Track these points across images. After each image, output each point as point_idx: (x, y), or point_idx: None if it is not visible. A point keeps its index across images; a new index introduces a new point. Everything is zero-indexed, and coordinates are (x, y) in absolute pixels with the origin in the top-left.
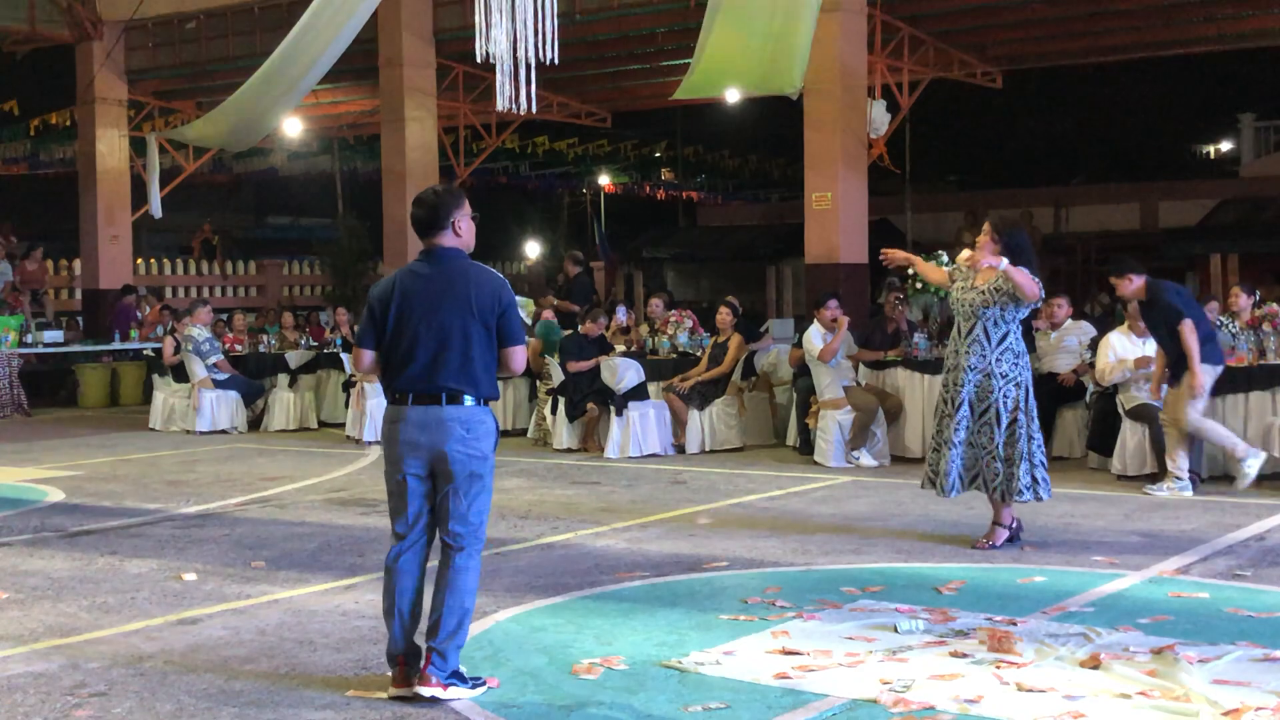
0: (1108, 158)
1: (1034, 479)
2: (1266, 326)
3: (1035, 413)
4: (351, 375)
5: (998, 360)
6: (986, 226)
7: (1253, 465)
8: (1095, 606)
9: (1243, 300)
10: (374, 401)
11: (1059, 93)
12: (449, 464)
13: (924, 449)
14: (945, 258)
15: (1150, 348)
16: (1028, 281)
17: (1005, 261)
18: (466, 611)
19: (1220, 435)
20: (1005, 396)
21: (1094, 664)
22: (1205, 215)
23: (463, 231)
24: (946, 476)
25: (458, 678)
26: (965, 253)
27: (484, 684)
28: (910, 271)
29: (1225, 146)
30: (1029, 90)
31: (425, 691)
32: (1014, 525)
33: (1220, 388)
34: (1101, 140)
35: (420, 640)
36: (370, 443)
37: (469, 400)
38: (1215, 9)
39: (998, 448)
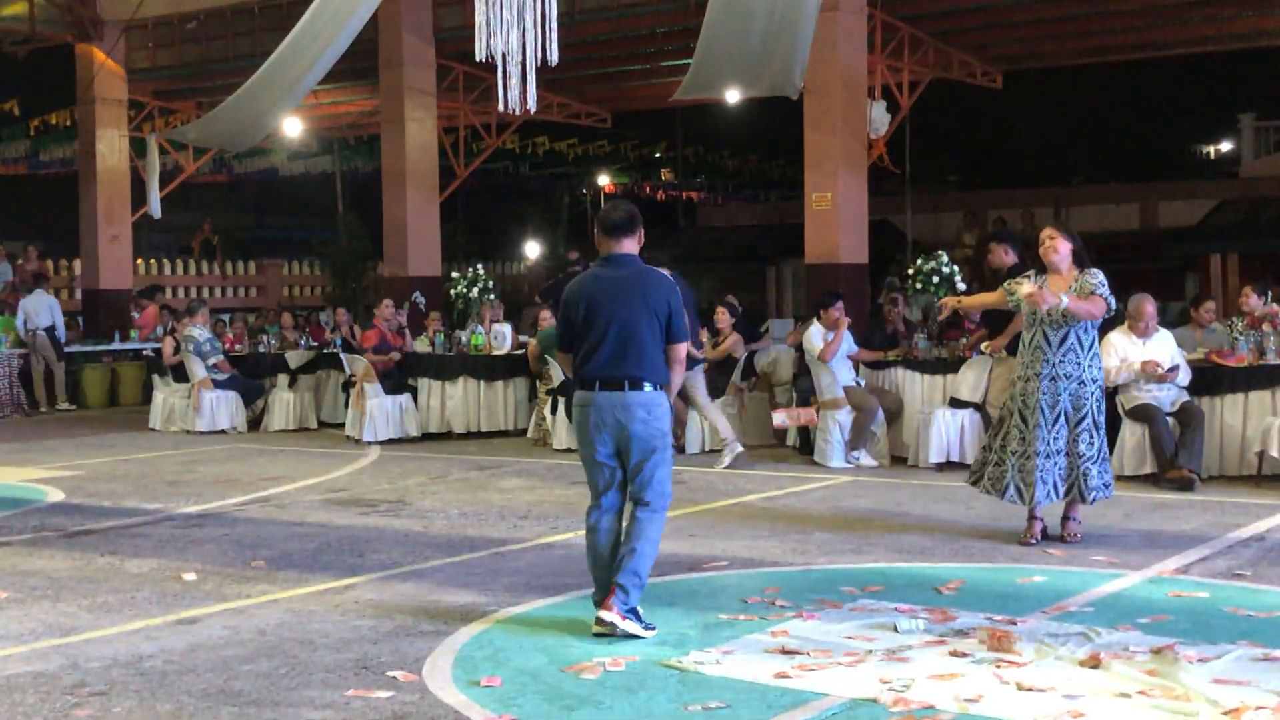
0: (1108, 158)
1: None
2: (1266, 327)
3: None
4: (351, 375)
5: (1089, 366)
6: (1054, 231)
7: (730, 455)
8: (1095, 606)
9: (1253, 300)
10: (374, 402)
11: (1059, 93)
12: (633, 441)
13: (920, 449)
14: (945, 257)
15: (1151, 350)
16: (1088, 307)
17: (1065, 299)
18: (648, 555)
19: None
20: (1098, 402)
21: (1094, 663)
22: (1205, 215)
23: (641, 239)
24: (1037, 486)
25: (635, 615)
26: (1025, 287)
27: (653, 629)
28: (910, 272)
29: (1225, 147)
30: (1029, 90)
31: (606, 616)
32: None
33: (1220, 387)
34: (1101, 140)
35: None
36: (370, 443)
37: (648, 386)
38: (1215, 9)
39: (1096, 451)
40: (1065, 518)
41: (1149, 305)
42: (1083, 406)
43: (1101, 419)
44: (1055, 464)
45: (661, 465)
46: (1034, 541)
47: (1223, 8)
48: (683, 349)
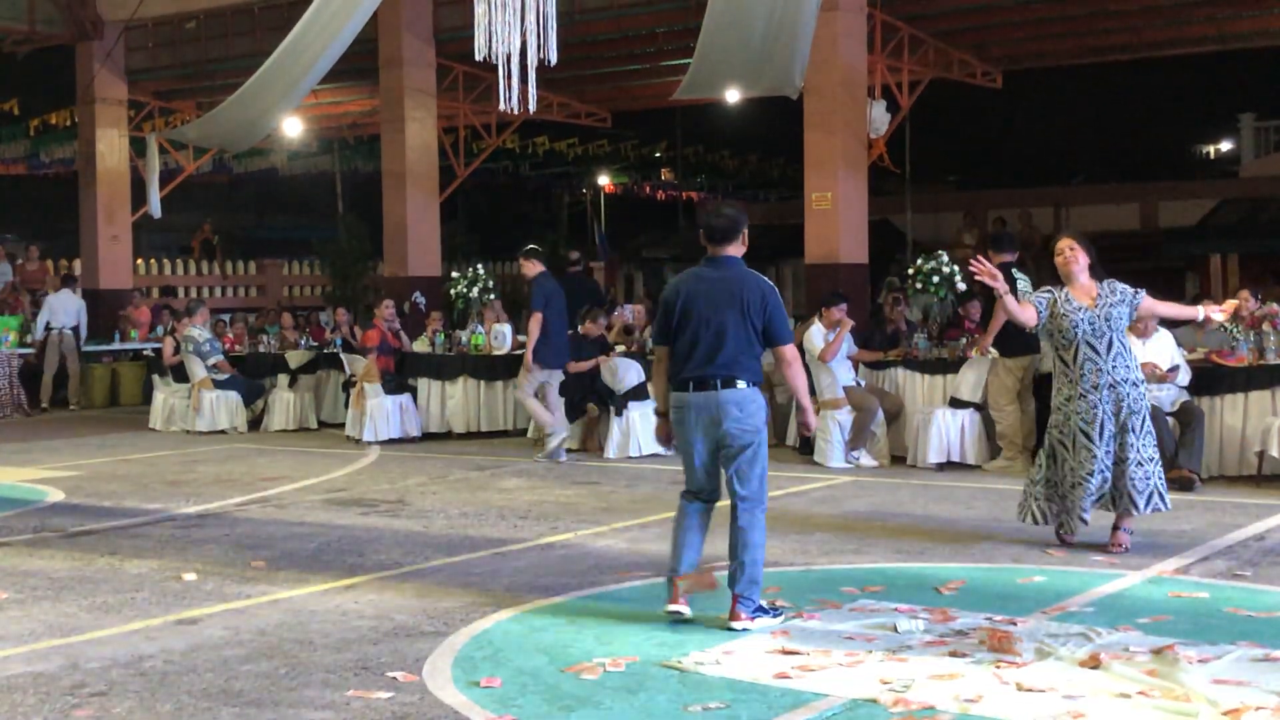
0: (1107, 158)
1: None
2: (1266, 327)
3: None
4: (351, 375)
5: (1137, 366)
6: (1073, 242)
7: (555, 441)
8: (1095, 606)
9: (1251, 304)
10: (374, 402)
11: (1059, 92)
12: (728, 439)
13: (920, 449)
14: (945, 256)
15: (1151, 350)
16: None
17: (1201, 311)
18: (756, 561)
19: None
20: (1148, 402)
21: (1094, 664)
22: (1205, 215)
23: (746, 242)
24: (1123, 498)
25: (761, 611)
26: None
27: (783, 613)
28: (910, 271)
29: (1225, 146)
30: (1029, 90)
31: (736, 625)
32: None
33: (1219, 388)
34: (1101, 140)
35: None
36: (370, 443)
37: (740, 384)
38: (1215, 9)
39: (1147, 450)
40: (1116, 527)
41: None
42: (1140, 409)
43: (1151, 420)
44: (1119, 472)
45: (755, 462)
46: (1123, 549)
47: (1222, 7)
48: (789, 350)
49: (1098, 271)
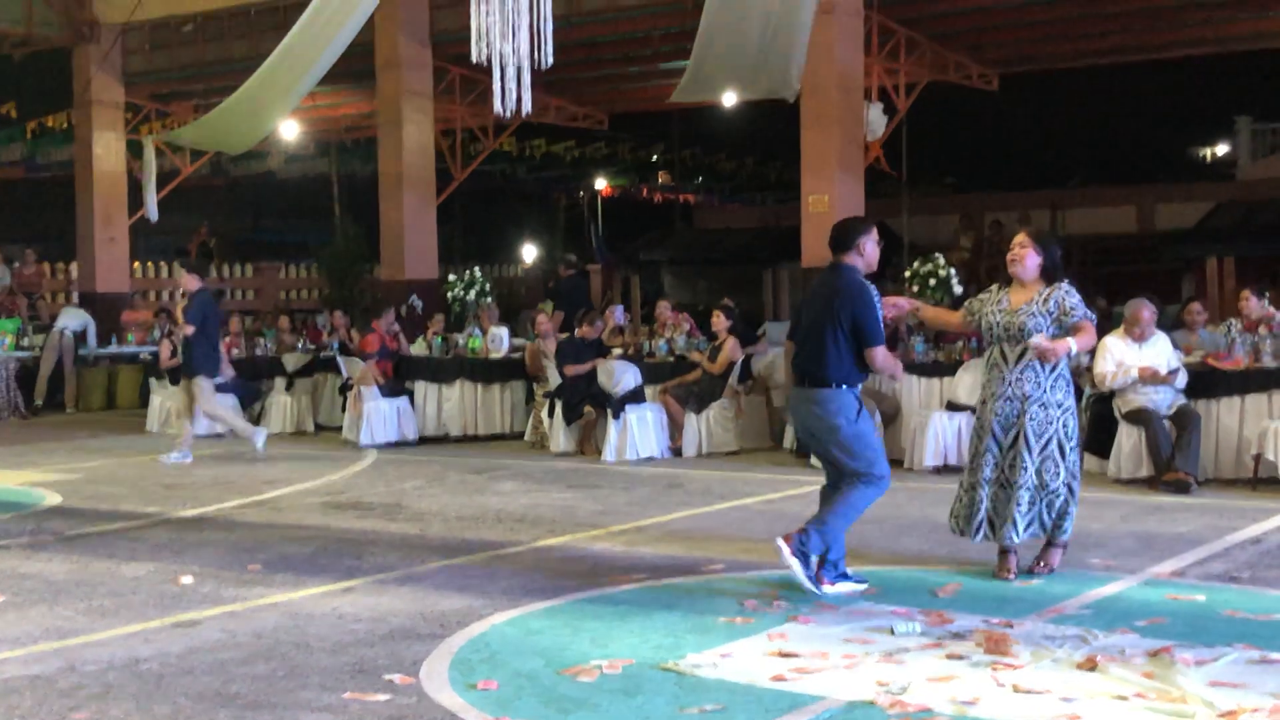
0: (1104, 160)
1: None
2: (1263, 329)
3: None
4: (349, 378)
5: (1053, 387)
6: (1025, 240)
7: (259, 437)
8: (1092, 609)
9: (1253, 303)
10: (370, 405)
11: (1055, 95)
12: (810, 431)
13: (917, 451)
14: (941, 259)
15: (1149, 353)
16: (1089, 339)
17: (1073, 345)
18: (840, 513)
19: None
20: (1065, 427)
21: (1090, 666)
22: (1202, 218)
23: (865, 252)
24: (1005, 522)
25: (844, 578)
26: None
27: (864, 582)
28: (906, 274)
29: (1222, 149)
30: (1025, 93)
31: (779, 542)
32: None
33: (1216, 390)
34: (1098, 143)
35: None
36: (366, 446)
37: (824, 383)
38: (1211, 11)
39: (1063, 484)
40: (1050, 544)
41: (1145, 311)
42: (1047, 431)
43: (1069, 447)
44: (1014, 496)
45: (846, 453)
46: (1010, 578)
47: (1219, 10)
48: (874, 353)
49: (1055, 273)
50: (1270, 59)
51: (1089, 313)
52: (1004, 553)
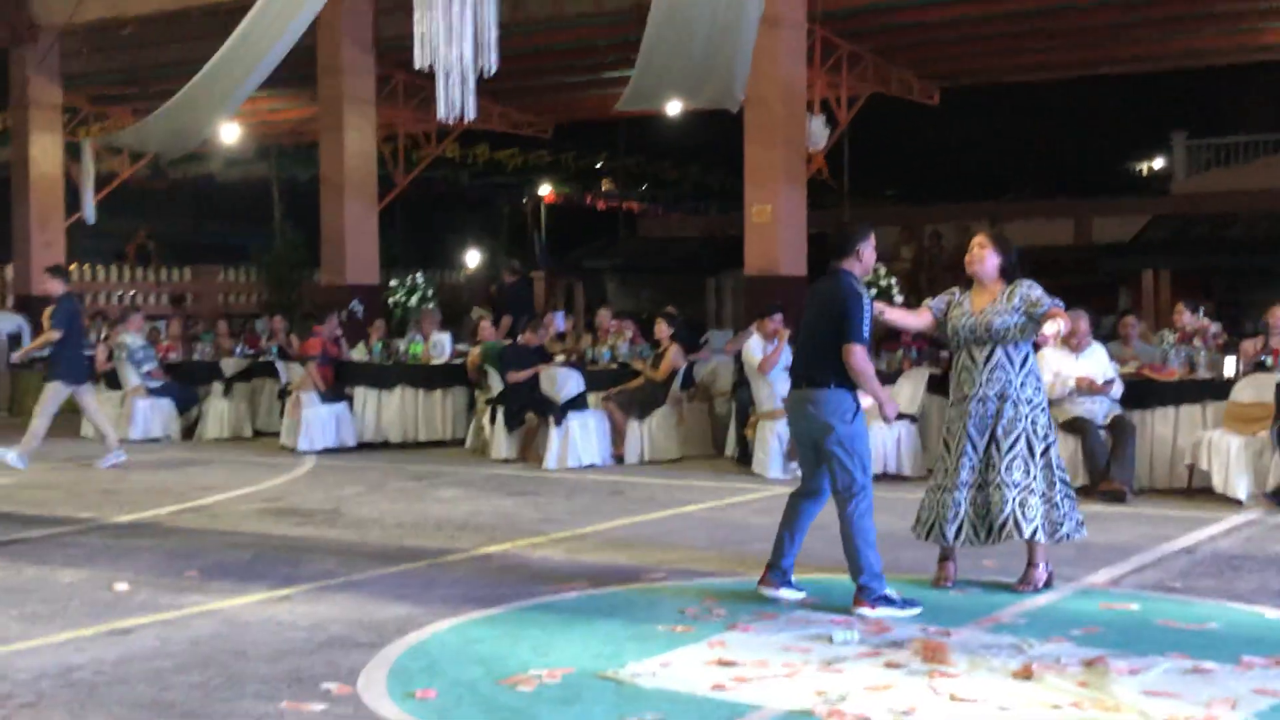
0: (1042, 174)
1: (1077, 512)
2: (1197, 341)
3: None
4: (287, 384)
5: (1022, 385)
6: (985, 240)
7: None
8: (1028, 618)
9: (1186, 316)
10: (309, 411)
11: (995, 109)
12: (809, 434)
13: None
14: (883, 270)
15: (1085, 363)
16: (1062, 322)
17: (1061, 325)
18: (861, 550)
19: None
20: (1034, 424)
21: (1026, 675)
22: (1138, 232)
23: (864, 258)
24: (983, 523)
25: (885, 601)
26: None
27: (915, 606)
28: None
29: (1158, 164)
30: (965, 107)
31: (857, 610)
32: (1049, 566)
33: (1151, 401)
34: (1036, 156)
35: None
36: (305, 452)
37: (822, 385)
38: (1148, 29)
39: (1034, 482)
40: (1030, 563)
41: (1083, 321)
42: (1015, 430)
43: (1042, 445)
44: (982, 496)
45: (837, 456)
46: (948, 586)
47: (1155, 28)
48: (852, 349)
49: (1013, 273)
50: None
51: (1055, 300)
52: (943, 560)
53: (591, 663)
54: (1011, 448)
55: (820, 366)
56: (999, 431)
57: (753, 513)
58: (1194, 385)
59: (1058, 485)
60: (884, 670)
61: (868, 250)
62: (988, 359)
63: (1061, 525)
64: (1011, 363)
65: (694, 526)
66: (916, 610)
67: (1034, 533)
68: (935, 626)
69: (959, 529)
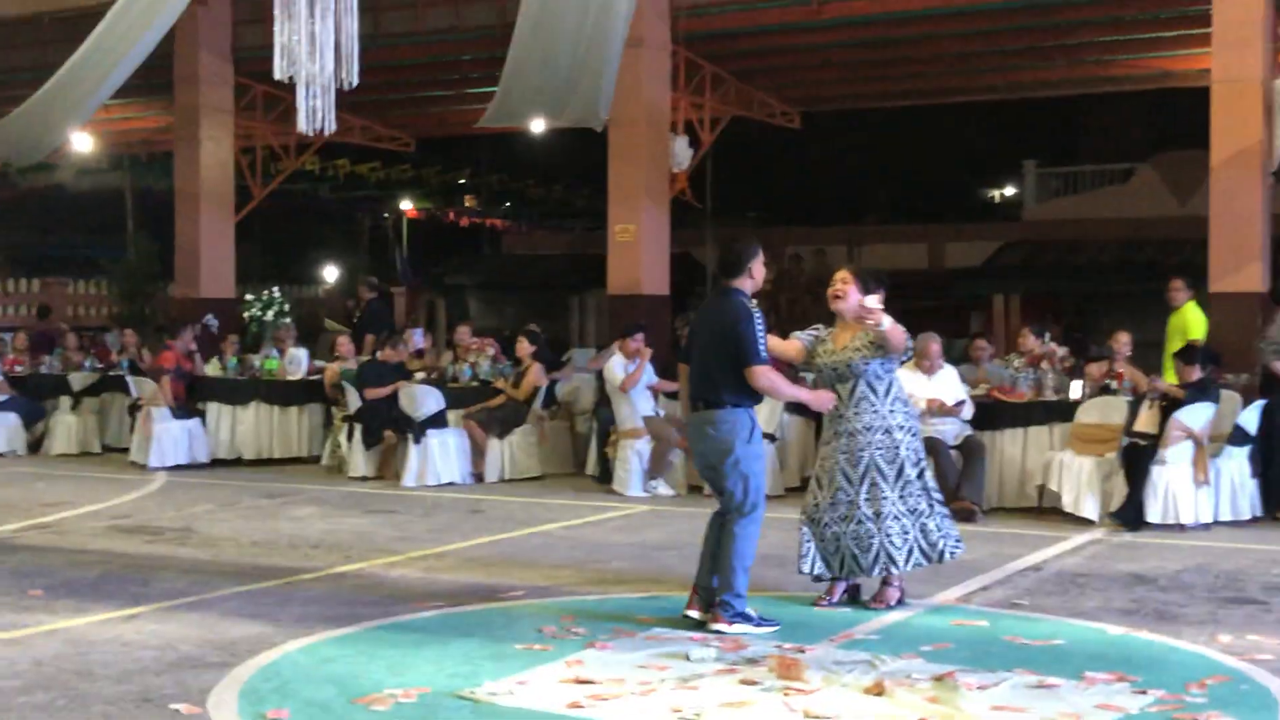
0: (899, 199)
1: (951, 529)
2: (1045, 365)
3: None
4: (138, 398)
5: (891, 413)
6: (848, 275)
7: None
8: (881, 634)
9: (1031, 340)
10: (161, 426)
11: (854, 134)
12: (708, 455)
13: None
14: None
15: (937, 385)
16: (900, 337)
17: (887, 321)
18: (734, 568)
19: None
20: (910, 449)
21: (878, 691)
22: (989, 257)
23: (755, 275)
24: (870, 554)
25: (743, 618)
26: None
27: (773, 624)
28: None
29: (1009, 191)
30: (826, 131)
31: (714, 626)
32: (902, 584)
33: (1000, 422)
34: (894, 181)
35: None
36: (156, 468)
37: (720, 405)
38: (1001, 59)
39: (924, 505)
40: (885, 582)
41: (934, 344)
42: (896, 458)
43: (916, 470)
44: (863, 529)
45: (732, 476)
46: (826, 604)
47: (1008, 58)
48: (754, 371)
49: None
50: (1055, 106)
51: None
52: (833, 580)
53: (447, 682)
54: (900, 475)
55: (716, 387)
56: (880, 463)
57: (612, 531)
58: (1042, 407)
59: (936, 506)
60: (740, 687)
61: (758, 267)
62: (852, 393)
63: (945, 544)
64: (876, 394)
65: (554, 545)
66: (774, 628)
67: (936, 555)
68: (790, 643)
69: (841, 562)
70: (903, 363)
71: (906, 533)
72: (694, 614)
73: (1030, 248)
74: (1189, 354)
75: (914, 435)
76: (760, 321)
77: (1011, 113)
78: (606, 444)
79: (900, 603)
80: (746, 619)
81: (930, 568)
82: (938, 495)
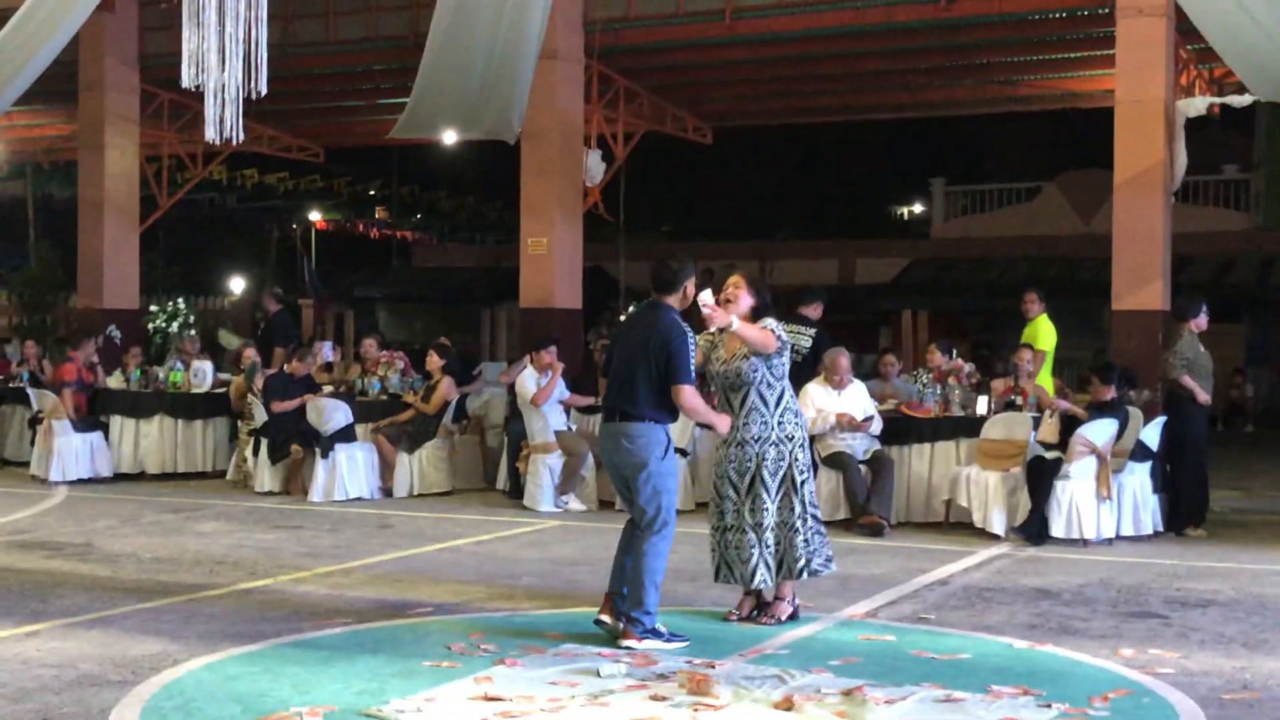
0: (810, 214)
1: (824, 546)
2: (952, 380)
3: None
4: (39, 411)
5: (780, 424)
6: (740, 281)
7: None
8: (790, 649)
9: (938, 357)
10: (62, 439)
11: (766, 150)
12: (621, 467)
13: None
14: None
15: (846, 400)
16: (758, 335)
17: (735, 321)
18: (645, 585)
19: None
20: (796, 460)
21: (787, 705)
22: (898, 273)
23: (689, 294)
24: (748, 565)
25: (653, 634)
26: (715, 317)
27: (682, 640)
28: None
29: (918, 208)
30: (738, 147)
31: (624, 643)
32: (795, 599)
33: (908, 437)
34: (805, 197)
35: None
36: (57, 483)
37: (636, 419)
38: (910, 78)
39: (797, 519)
40: (777, 597)
41: (844, 359)
42: (780, 468)
43: (801, 479)
44: (761, 538)
45: (645, 491)
46: (735, 619)
47: (917, 76)
48: (682, 390)
49: (764, 314)
50: (962, 125)
51: (783, 336)
52: (746, 592)
53: (354, 700)
54: (780, 487)
55: (636, 401)
56: (764, 474)
57: (523, 546)
58: (949, 423)
59: (810, 521)
60: (649, 703)
61: (692, 287)
62: (743, 403)
63: (812, 560)
64: (766, 403)
65: (463, 560)
66: (683, 644)
67: (797, 571)
68: (700, 659)
69: (717, 570)
70: (798, 364)
71: (779, 544)
72: (606, 619)
73: (938, 264)
74: (1106, 373)
75: (803, 447)
76: (692, 341)
77: (920, 130)
78: (518, 459)
79: (794, 618)
80: (656, 635)
81: (837, 582)
82: (814, 510)
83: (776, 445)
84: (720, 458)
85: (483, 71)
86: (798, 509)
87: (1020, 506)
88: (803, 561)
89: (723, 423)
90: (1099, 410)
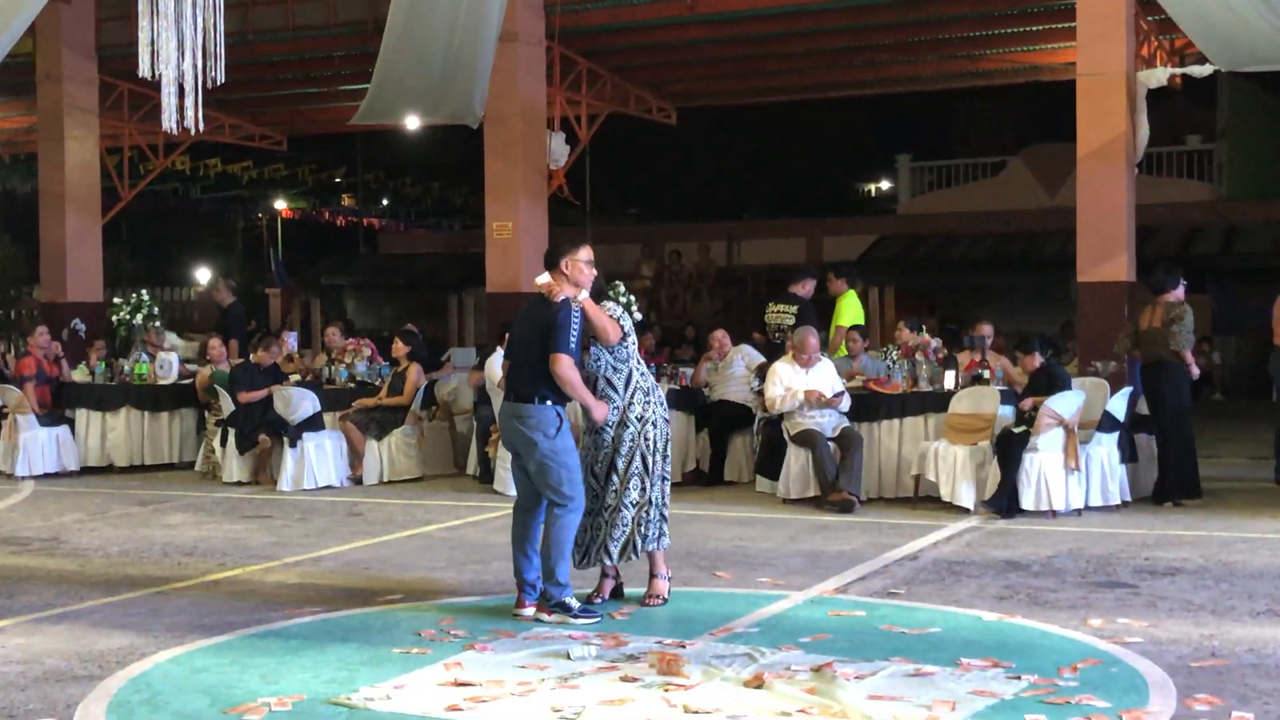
0: (777, 193)
1: (665, 522)
2: (919, 356)
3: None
4: (3, 406)
5: (630, 406)
6: (588, 253)
7: None
8: (760, 627)
9: (906, 333)
10: (27, 434)
11: (731, 130)
12: (519, 447)
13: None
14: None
15: (814, 378)
16: (604, 323)
17: (585, 294)
18: (555, 559)
19: None
20: (646, 440)
21: (758, 683)
22: (865, 250)
23: (570, 272)
24: (608, 546)
25: (562, 608)
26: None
27: (592, 615)
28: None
29: (884, 185)
30: (703, 127)
31: (540, 616)
32: (668, 571)
33: (877, 414)
34: (771, 177)
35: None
36: (23, 477)
37: (531, 399)
38: (873, 54)
39: (650, 497)
40: (651, 574)
41: (812, 337)
42: (632, 448)
43: (661, 460)
44: (616, 520)
45: (547, 470)
46: (597, 601)
47: (880, 53)
48: (557, 358)
49: (600, 298)
50: (927, 101)
51: (626, 322)
52: (603, 575)
53: (323, 689)
54: (628, 468)
55: (529, 381)
56: (617, 458)
57: (493, 531)
58: (917, 398)
59: (660, 498)
60: (620, 685)
61: (575, 267)
62: (627, 383)
63: (663, 537)
64: (614, 387)
65: (433, 547)
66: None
67: (650, 544)
68: (671, 639)
69: (584, 554)
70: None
71: (628, 525)
72: (526, 612)
73: (905, 241)
74: (1026, 345)
75: (654, 425)
76: (578, 319)
77: (885, 107)
78: (487, 444)
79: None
80: (565, 609)
81: (807, 559)
82: (656, 491)
83: (626, 426)
84: (586, 443)
85: (443, 56)
86: (647, 490)
87: (990, 480)
88: (636, 543)
89: (599, 410)
90: (1034, 378)
